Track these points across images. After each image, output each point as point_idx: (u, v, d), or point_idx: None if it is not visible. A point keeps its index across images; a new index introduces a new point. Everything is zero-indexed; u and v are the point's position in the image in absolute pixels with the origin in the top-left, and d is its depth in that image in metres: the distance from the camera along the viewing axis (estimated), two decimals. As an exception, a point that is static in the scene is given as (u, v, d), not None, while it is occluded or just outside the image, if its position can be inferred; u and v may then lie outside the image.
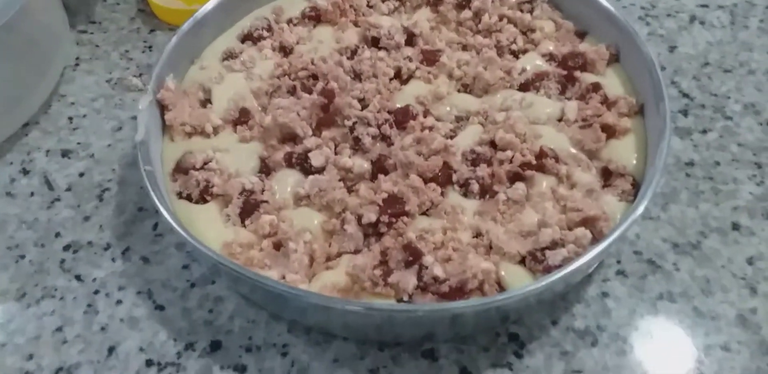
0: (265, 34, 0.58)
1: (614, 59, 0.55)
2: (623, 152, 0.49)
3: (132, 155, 0.55)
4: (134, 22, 0.67)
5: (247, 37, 0.58)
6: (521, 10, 0.59)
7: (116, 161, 0.55)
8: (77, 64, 0.63)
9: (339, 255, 0.45)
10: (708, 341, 0.44)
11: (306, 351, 0.45)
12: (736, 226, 0.50)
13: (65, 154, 0.56)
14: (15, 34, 0.54)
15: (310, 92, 0.53)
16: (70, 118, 0.59)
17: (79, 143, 0.57)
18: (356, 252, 0.45)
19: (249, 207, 0.46)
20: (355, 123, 0.50)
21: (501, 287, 0.42)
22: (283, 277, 0.42)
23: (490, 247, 0.44)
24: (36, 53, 0.59)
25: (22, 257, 0.50)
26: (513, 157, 0.47)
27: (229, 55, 0.57)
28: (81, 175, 0.55)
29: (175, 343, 0.45)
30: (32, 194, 0.54)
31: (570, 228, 0.44)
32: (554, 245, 0.43)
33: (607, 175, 0.48)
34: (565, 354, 0.44)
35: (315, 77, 0.54)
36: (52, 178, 0.54)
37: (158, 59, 0.52)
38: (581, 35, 0.58)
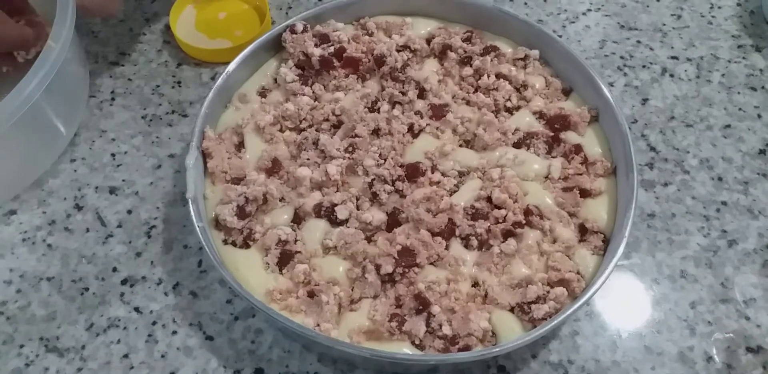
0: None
1: (594, 119, 0.64)
2: (597, 211, 0.58)
3: (173, 194, 0.62)
4: (161, 55, 0.72)
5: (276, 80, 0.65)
6: (515, 66, 0.67)
7: (159, 199, 0.62)
8: (113, 98, 0.69)
9: (360, 299, 0.54)
10: (653, 374, 0.55)
11: (333, 379, 0.54)
12: (683, 274, 0.60)
13: (112, 191, 0.62)
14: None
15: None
16: (113, 155, 0.65)
17: (123, 180, 0.63)
18: (375, 297, 0.54)
19: (285, 258, 0.55)
20: (373, 179, 0.58)
21: (494, 332, 0.52)
22: (318, 325, 0.51)
23: (486, 296, 0.54)
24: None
25: (86, 290, 0.57)
26: (506, 216, 0.57)
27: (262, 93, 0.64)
28: (129, 212, 0.61)
29: (225, 370, 0.54)
30: (88, 230, 0.60)
31: (551, 285, 0.54)
32: (538, 299, 0.52)
33: (583, 231, 0.57)
34: (541, 383, 0.55)
35: (336, 126, 0.62)
36: (104, 214, 0.61)
37: (197, 115, 0.58)
38: (567, 92, 0.66)
